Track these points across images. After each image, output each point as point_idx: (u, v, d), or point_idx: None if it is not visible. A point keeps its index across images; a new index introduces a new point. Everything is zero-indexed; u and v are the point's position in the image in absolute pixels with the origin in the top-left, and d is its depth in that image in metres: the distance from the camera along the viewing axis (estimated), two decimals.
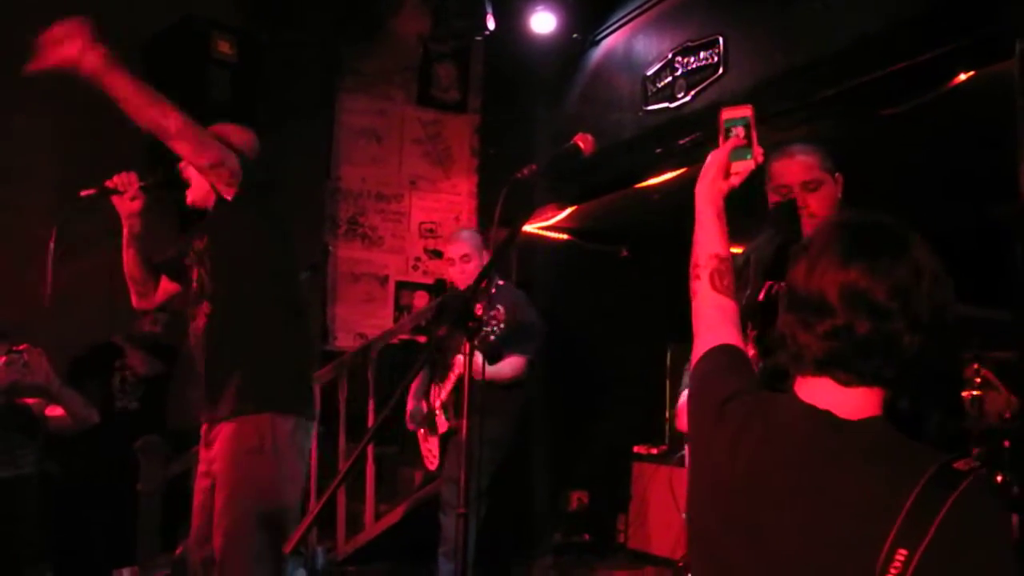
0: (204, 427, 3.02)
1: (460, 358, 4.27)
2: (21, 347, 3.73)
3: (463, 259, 4.46)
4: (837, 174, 2.60)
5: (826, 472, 1.34)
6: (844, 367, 1.38)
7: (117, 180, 3.07)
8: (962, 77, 3.72)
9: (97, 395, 4.81)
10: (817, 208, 2.49)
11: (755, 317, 2.55)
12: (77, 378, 4.55)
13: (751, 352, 2.51)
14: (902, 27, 3.62)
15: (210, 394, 2.94)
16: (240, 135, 3.07)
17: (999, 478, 3.73)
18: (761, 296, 2.59)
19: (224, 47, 5.26)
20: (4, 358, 3.68)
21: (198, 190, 3.07)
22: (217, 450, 2.90)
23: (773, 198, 2.59)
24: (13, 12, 4.92)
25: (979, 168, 4.39)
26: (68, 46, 2.48)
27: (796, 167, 2.54)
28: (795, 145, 2.63)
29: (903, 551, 1.21)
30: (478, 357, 4.20)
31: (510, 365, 4.28)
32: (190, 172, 3.06)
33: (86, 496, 4.12)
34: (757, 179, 2.58)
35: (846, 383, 1.39)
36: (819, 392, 1.41)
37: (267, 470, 2.83)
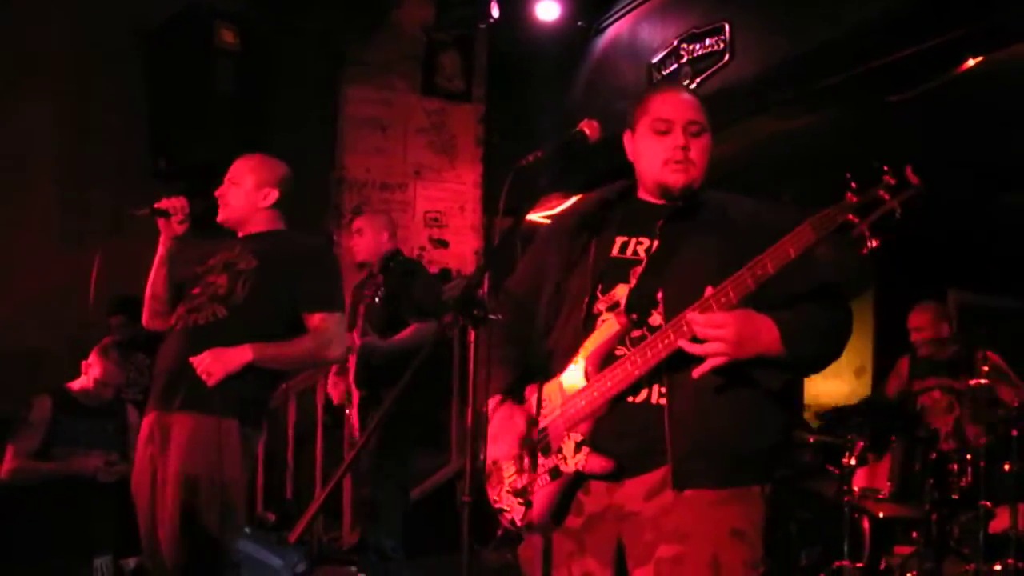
0: (152, 417, 2.96)
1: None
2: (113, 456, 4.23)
3: (357, 233, 4.47)
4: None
5: None
6: None
7: (167, 204, 3.08)
8: (970, 63, 3.69)
9: None
10: (697, 156, 2.11)
11: (604, 276, 2.09)
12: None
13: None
14: (909, 12, 3.60)
15: (182, 386, 2.89)
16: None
17: (1007, 467, 3.71)
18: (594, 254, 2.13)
19: (228, 37, 5.24)
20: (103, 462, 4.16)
21: (235, 210, 3.11)
22: (177, 443, 2.86)
23: (644, 134, 2.16)
24: (12, 7, 4.91)
25: (992, 155, 4.36)
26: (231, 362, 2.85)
27: (684, 104, 2.14)
28: (676, 83, 2.23)
29: None
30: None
31: (413, 333, 4.20)
32: (228, 191, 3.11)
33: (88, 487, 4.15)
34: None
35: None
36: None
37: (236, 469, 2.89)
